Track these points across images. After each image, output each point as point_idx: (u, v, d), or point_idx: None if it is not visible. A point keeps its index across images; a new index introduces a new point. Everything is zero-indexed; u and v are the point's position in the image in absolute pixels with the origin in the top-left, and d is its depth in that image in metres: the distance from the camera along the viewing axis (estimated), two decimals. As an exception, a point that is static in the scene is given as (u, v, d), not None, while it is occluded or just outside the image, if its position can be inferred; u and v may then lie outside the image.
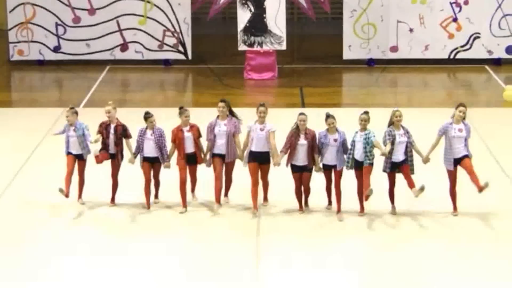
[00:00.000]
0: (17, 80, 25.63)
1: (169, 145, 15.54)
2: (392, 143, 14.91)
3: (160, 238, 14.42)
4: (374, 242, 14.23)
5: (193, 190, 15.74)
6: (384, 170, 15.09)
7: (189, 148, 15.42)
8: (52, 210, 15.41)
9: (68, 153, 15.42)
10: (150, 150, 15.36)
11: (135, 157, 15.50)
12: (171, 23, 25.76)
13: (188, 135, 15.41)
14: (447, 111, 21.59)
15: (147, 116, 15.61)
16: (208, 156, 15.54)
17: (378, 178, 15.16)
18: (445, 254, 13.63)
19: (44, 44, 25.86)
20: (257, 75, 24.90)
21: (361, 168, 14.84)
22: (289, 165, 15.16)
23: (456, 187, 15.16)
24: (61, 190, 15.09)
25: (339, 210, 15.11)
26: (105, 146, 15.43)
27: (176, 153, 15.46)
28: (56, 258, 13.59)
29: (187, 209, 15.46)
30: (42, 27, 25.74)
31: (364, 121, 15.03)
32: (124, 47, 25.94)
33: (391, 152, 14.88)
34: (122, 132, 15.50)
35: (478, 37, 25.68)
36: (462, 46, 25.71)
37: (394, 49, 25.77)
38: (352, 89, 24.68)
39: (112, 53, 25.95)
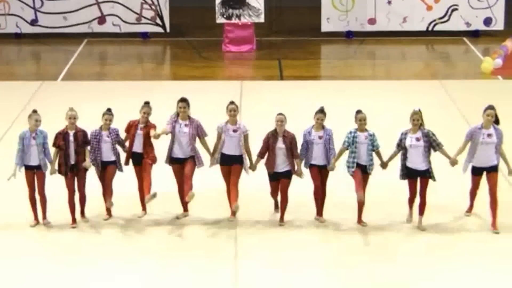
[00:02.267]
0: (-6, 53, 25.56)
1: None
2: (399, 146, 13.70)
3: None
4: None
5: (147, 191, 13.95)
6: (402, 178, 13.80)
7: (137, 147, 13.98)
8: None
9: (26, 167, 13.73)
10: (107, 154, 13.94)
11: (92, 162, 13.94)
12: (149, -5, 25.73)
13: (139, 133, 13.97)
14: (425, 83, 21.81)
15: (105, 113, 14.10)
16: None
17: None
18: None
19: (21, 17, 25.76)
20: (236, 47, 24.90)
21: (363, 172, 13.63)
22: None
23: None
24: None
25: (321, 213, 14.05)
26: (65, 158, 13.73)
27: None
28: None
29: (146, 213, 14.28)
30: (19, 0, 25.61)
31: (364, 120, 13.71)
32: (101, 20, 25.87)
33: (403, 158, 13.64)
34: (83, 139, 13.88)
35: (456, 9, 25.73)
36: (440, 18, 25.76)
37: (372, 21, 25.79)
38: (330, 61, 24.71)
39: (89, 26, 25.87)
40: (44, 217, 13.98)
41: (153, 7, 25.80)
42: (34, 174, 13.71)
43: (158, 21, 25.87)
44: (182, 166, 13.87)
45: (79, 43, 25.43)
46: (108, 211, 14.20)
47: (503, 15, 25.66)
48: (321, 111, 13.92)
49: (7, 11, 25.71)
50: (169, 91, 21.17)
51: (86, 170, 13.87)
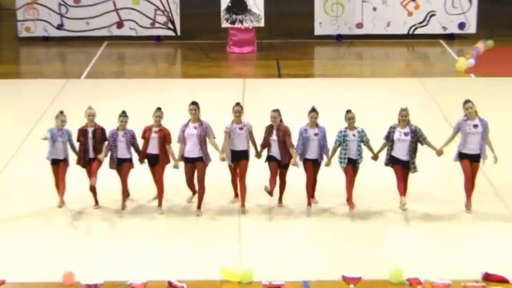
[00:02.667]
0: (25, 54, 25.49)
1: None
2: (387, 138, 13.58)
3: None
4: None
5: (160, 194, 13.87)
6: (386, 164, 13.73)
7: (152, 148, 13.67)
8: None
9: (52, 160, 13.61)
10: (122, 152, 13.69)
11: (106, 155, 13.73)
12: (162, 2, 25.67)
13: (154, 136, 13.61)
14: (406, 81, 21.82)
15: (121, 115, 13.79)
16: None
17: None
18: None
19: (48, 22, 25.72)
20: (239, 49, 24.88)
21: (353, 164, 13.62)
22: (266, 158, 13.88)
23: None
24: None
25: (313, 195, 13.94)
26: (84, 152, 13.64)
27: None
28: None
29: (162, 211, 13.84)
30: (47, 7, 25.58)
31: (352, 119, 13.59)
32: (120, 24, 25.84)
33: (390, 149, 13.56)
34: (101, 136, 13.67)
35: (434, 15, 25.70)
36: (420, 23, 25.74)
37: (359, 25, 25.77)
38: (322, 61, 24.69)
39: (109, 30, 25.84)
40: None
41: (165, 13, 25.78)
42: (58, 166, 13.59)
43: (170, 25, 25.85)
44: (193, 165, 13.68)
45: (100, 45, 25.39)
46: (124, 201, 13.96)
47: (475, 20, 25.62)
48: (313, 110, 13.78)
49: (36, 16, 25.67)
50: (180, 88, 21.26)
51: (100, 162, 13.69)
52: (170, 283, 11.56)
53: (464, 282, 11.62)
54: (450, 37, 25.78)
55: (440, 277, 11.71)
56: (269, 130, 13.80)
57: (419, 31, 25.77)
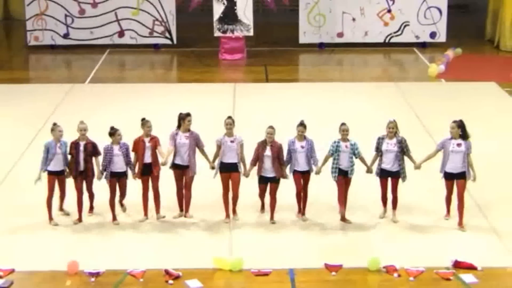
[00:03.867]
0: (33, 61, 25.29)
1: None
2: (377, 150, 13.00)
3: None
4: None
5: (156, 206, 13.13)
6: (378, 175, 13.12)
7: (147, 158, 12.95)
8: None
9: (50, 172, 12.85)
10: (120, 165, 12.92)
11: (103, 173, 12.94)
12: (159, 14, 25.53)
13: (148, 146, 12.91)
14: (383, 85, 21.76)
15: (112, 132, 12.94)
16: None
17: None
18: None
19: (55, 32, 25.53)
20: (230, 56, 24.76)
21: (344, 176, 12.95)
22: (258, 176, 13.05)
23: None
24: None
25: (303, 213, 13.19)
26: (75, 164, 12.84)
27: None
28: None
29: (147, 217, 13.17)
30: (54, 17, 25.38)
31: (346, 132, 12.95)
32: (121, 34, 25.68)
33: (380, 160, 12.98)
34: (92, 150, 12.89)
35: (408, 25, 25.62)
36: (395, 32, 25.65)
37: (340, 35, 25.67)
38: (306, 67, 24.60)
39: (111, 39, 25.67)
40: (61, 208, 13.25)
41: (163, 23, 25.64)
42: (56, 178, 12.87)
43: (167, 34, 25.72)
44: (182, 172, 13.09)
45: (102, 53, 25.23)
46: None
47: (445, 29, 25.56)
48: (301, 124, 13.00)
49: (44, 26, 25.50)
50: (176, 92, 21.14)
51: (93, 176, 12.93)
52: (167, 271, 11.45)
53: (436, 269, 11.57)
54: (422, 45, 25.74)
55: (414, 265, 11.64)
56: (262, 146, 12.98)
57: (394, 39, 25.71)
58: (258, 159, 12.97)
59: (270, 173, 12.96)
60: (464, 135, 12.85)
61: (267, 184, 13.04)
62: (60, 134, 12.92)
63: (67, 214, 13.26)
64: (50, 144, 12.88)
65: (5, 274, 11.43)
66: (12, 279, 11.31)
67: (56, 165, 12.87)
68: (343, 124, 13.08)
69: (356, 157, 13.02)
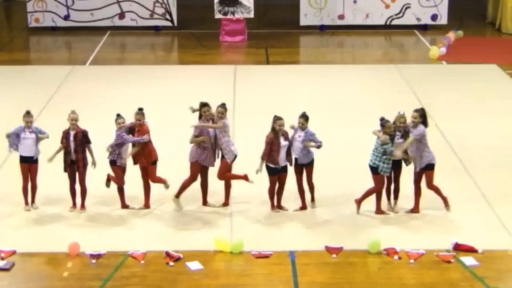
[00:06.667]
0: (34, 42, 25.22)
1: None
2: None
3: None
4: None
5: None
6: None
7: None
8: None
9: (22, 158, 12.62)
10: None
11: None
12: (160, -5, 25.50)
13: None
14: (383, 67, 21.70)
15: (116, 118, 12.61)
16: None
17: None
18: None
19: (56, 13, 25.44)
20: (230, 38, 24.69)
21: (376, 172, 12.41)
22: (263, 168, 12.57)
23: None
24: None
25: (313, 199, 12.90)
26: (65, 154, 12.60)
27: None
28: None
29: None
30: (54, -1, 25.38)
31: (390, 128, 12.27)
32: (121, 15, 25.59)
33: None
34: (82, 139, 12.59)
35: (409, 7, 25.53)
36: (396, 15, 25.56)
37: (341, 17, 25.57)
38: (307, 49, 24.52)
39: (112, 20, 25.58)
40: (33, 201, 12.92)
41: (163, 5, 25.54)
42: (28, 165, 12.66)
43: (168, 16, 25.62)
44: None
45: (103, 35, 25.15)
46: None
47: (446, 12, 25.47)
48: (303, 115, 12.61)
49: (44, 8, 25.42)
50: (176, 73, 21.09)
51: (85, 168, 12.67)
52: (167, 253, 11.45)
53: (437, 251, 11.56)
54: (423, 28, 25.64)
55: (414, 247, 11.63)
56: (275, 137, 12.47)
57: (395, 22, 25.61)
58: (270, 152, 12.57)
59: (283, 162, 12.67)
60: (424, 122, 12.46)
61: (279, 176, 12.66)
62: (27, 125, 12.64)
63: (37, 208, 12.91)
64: (21, 128, 12.64)
65: (6, 256, 11.44)
66: (13, 261, 11.32)
67: (25, 150, 12.66)
68: (386, 121, 12.36)
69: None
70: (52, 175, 13.16)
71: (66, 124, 12.81)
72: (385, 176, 12.57)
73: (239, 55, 23.51)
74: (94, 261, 11.34)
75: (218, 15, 24.64)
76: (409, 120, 12.60)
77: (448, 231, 12.23)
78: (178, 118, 15.28)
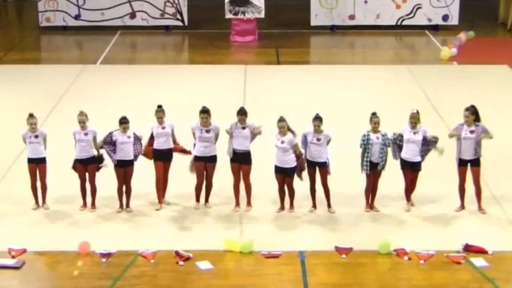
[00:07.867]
0: (45, 42, 25.31)
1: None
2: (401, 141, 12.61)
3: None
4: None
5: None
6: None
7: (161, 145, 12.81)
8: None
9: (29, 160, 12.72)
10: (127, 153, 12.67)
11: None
12: (171, -5, 25.57)
13: (162, 132, 12.76)
14: (394, 67, 21.68)
15: (121, 121, 12.57)
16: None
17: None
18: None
19: (67, 13, 25.53)
20: (241, 38, 24.71)
21: (375, 169, 12.58)
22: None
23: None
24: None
25: (329, 205, 12.83)
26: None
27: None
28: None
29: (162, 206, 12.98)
30: (65, -2, 25.47)
31: (378, 124, 12.44)
32: (132, 15, 25.65)
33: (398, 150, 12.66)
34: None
35: (420, 8, 25.50)
36: (407, 15, 25.54)
37: (352, 17, 25.57)
38: (317, 49, 24.52)
39: (122, 20, 25.65)
40: (44, 201, 12.95)
41: (174, 5, 25.59)
42: (37, 166, 12.74)
43: (178, 16, 25.67)
44: (205, 164, 12.88)
45: (114, 34, 25.22)
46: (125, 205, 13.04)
47: (458, 12, 25.44)
48: (316, 118, 12.46)
49: (55, 7, 25.51)
50: (187, 73, 21.11)
51: (98, 166, 12.75)
52: (177, 253, 11.47)
53: (447, 252, 11.54)
54: (434, 28, 25.60)
55: (424, 248, 11.62)
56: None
57: (406, 22, 25.58)
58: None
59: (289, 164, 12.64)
60: (477, 118, 12.65)
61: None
62: (31, 128, 12.73)
63: (48, 208, 12.93)
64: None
65: (17, 254, 11.49)
66: (24, 259, 11.37)
67: (32, 153, 12.71)
68: (374, 115, 12.56)
69: (388, 147, 12.62)
70: (63, 174, 13.21)
71: (77, 123, 12.78)
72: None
73: (250, 55, 23.52)
74: (104, 260, 11.37)
75: (228, 15, 24.68)
76: (457, 115, 12.59)
77: (458, 232, 12.21)
78: (188, 118, 15.26)
